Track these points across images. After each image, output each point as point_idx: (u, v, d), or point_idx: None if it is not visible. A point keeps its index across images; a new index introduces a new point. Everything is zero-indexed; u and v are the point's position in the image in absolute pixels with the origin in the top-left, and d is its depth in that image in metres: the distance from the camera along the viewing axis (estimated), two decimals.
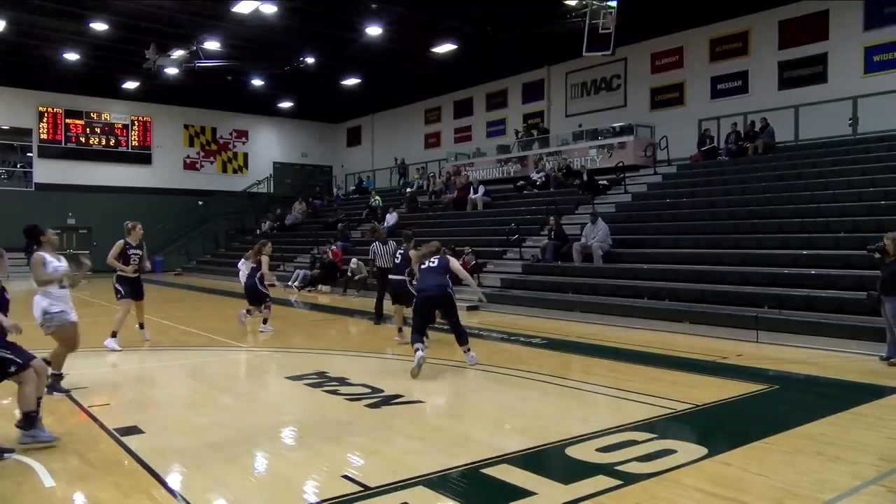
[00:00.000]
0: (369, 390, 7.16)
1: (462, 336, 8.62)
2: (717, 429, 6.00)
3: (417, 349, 7.96)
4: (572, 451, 5.11)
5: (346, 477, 4.61)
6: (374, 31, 21.20)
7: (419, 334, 8.31)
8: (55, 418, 6.36)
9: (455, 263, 9.04)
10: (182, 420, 6.26)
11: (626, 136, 20.75)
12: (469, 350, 8.59)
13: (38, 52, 24.30)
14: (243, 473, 4.82)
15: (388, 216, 23.09)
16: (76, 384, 7.37)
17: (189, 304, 17.69)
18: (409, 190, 27.19)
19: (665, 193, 17.73)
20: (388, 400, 6.81)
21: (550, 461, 5.03)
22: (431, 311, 8.90)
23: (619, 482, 4.42)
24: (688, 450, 5.11)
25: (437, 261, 8.83)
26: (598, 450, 5.10)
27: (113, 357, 9.37)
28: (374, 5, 19.49)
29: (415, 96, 30.64)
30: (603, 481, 4.44)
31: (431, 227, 20.98)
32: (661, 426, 5.85)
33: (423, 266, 8.91)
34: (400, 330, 10.44)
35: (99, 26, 21.53)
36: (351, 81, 27.75)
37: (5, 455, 5.03)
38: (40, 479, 4.60)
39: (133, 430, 5.71)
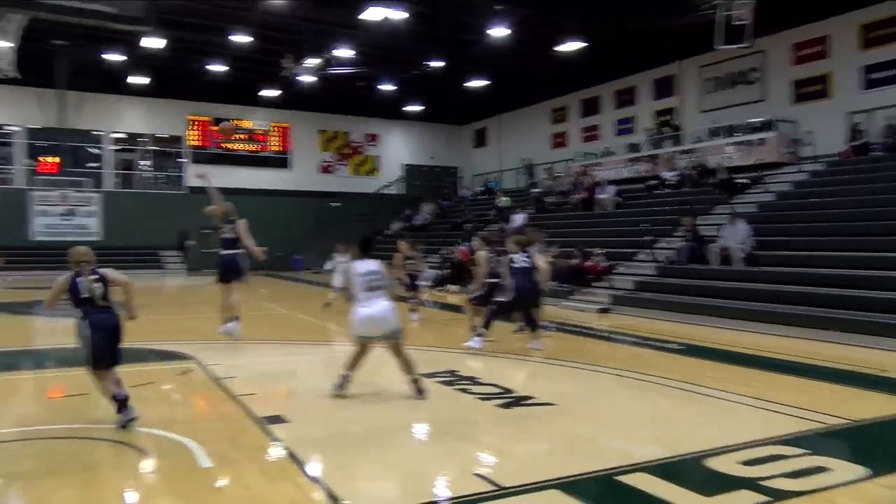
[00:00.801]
0: (500, 390, 7.18)
1: (536, 325, 9.68)
2: (878, 448, 5.53)
3: (483, 336, 9.36)
4: (712, 463, 4.88)
5: (478, 475, 4.64)
6: (499, 32, 21.24)
7: (490, 324, 9.52)
8: (209, 404, 6.85)
9: (540, 260, 9.78)
10: (322, 411, 6.53)
11: (766, 133, 19.60)
12: (537, 338, 9.51)
13: (187, 65, 26.21)
14: (380, 466, 4.97)
15: (516, 216, 23.08)
16: (226, 375, 7.88)
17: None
18: (535, 191, 27.05)
19: (812, 192, 16.60)
20: (519, 401, 6.80)
21: (689, 472, 4.82)
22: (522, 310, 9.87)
23: (766, 498, 4.17)
24: (844, 469, 4.74)
25: (528, 260, 9.51)
26: (740, 463, 4.84)
27: (258, 349, 9.98)
28: (498, 7, 19.54)
29: (540, 96, 30.41)
30: (747, 496, 4.21)
31: (559, 227, 20.74)
32: (811, 441, 5.46)
33: (514, 265, 9.43)
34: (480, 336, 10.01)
35: (241, 39, 22.91)
36: (476, 83, 27.95)
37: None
38: (196, 460, 4.95)
39: (278, 420, 6.01)
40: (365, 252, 6.97)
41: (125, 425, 5.66)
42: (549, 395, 6.93)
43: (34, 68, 20.45)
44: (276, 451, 5.26)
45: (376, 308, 6.68)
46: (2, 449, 5.40)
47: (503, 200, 26.64)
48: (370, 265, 6.86)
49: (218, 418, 6.32)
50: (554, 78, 26.66)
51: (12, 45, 14.12)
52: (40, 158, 30.08)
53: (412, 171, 36.67)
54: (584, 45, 21.86)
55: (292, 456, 5.06)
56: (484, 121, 35.45)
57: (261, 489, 4.42)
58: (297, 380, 8.42)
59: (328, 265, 15.08)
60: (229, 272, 10.13)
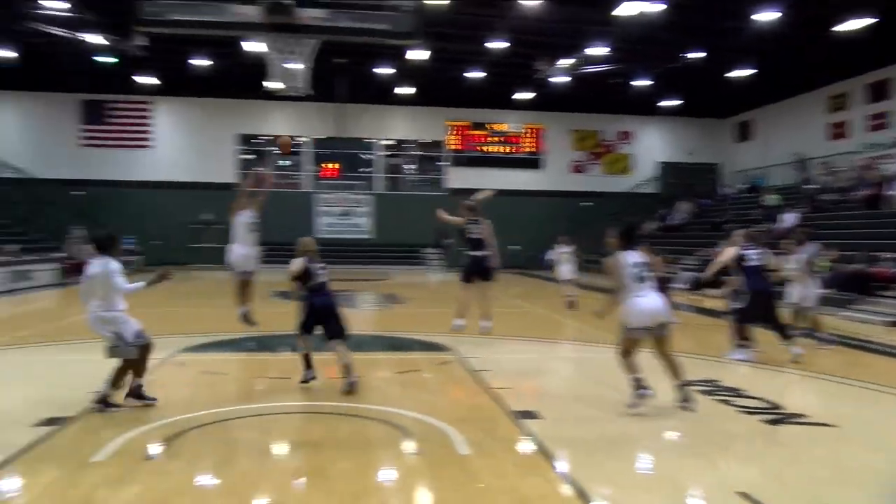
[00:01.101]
0: (767, 405, 6.60)
1: (788, 332, 8.86)
2: None
3: (747, 347, 8.74)
4: None
5: (741, 494, 4.33)
6: (767, 16, 19.53)
7: (747, 333, 8.78)
8: (467, 395, 7.21)
9: (773, 258, 9.21)
10: (575, 411, 6.54)
11: None
12: (794, 345, 8.74)
13: (447, 74, 27.80)
14: (633, 471, 4.86)
15: (785, 216, 21.13)
16: (482, 368, 8.22)
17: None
18: (808, 187, 24.50)
19: None
20: (790, 418, 6.19)
21: None
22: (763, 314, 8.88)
23: None
24: None
25: (760, 256, 8.84)
26: None
27: (512, 345, 10.28)
28: None
29: (814, 83, 27.35)
30: None
31: (838, 228, 18.58)
32: None
33: (746, 263, 8.76)
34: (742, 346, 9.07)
35: (496, 45, 23.70)
36: (740, 73, 25.96)
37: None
38: (455, 447, 5.23)
39: (530, 415, 6.13)
40: (629, 241, 6.52)
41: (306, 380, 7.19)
42: (826, 415, 6.22)
43: (319, 85, 23.09)
44: (528, 446, 5.38)
45: (650, 299, 6.32)
46: (294, 420, 6.20)
47: (771, 199, 24.51)
48: (636, 255, 6.47)
49: (474, 408, 6.62)
50: (831, 61, 23.87)
51: (306, 65, 16.04)
52: (323, 165, 33.92)
53: (667, 169, 35.20)
54: (873, 20, 19.31)
55: (544, 452, 5.14)
56: (748, 113, 32.88)
57: (514, 480, 4.55)
58: (549, 377, 8.54)
59: (549, 255, 15.15)
60: (473, 273, 10.28)
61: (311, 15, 15.80)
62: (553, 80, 26.00)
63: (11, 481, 4.48)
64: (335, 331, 7.21)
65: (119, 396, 6.25)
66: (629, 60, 24.94)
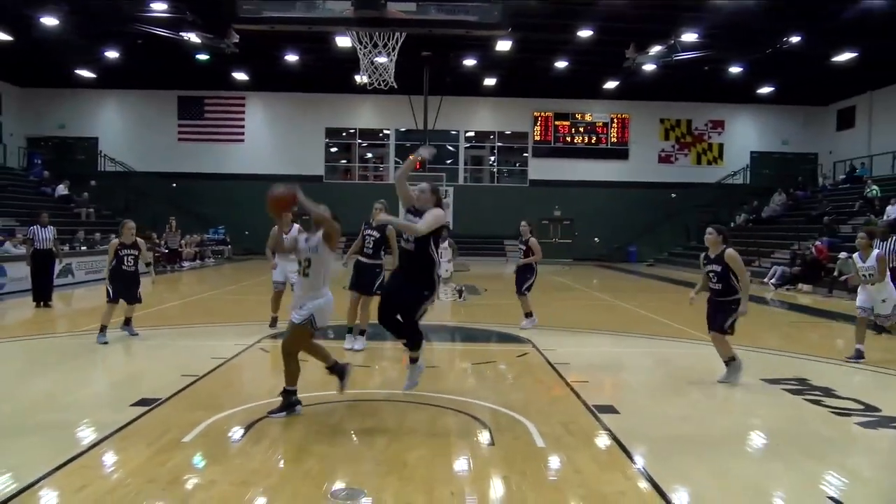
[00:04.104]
0: (862, 407, 6.26)
1: None
2: None
3: None
4: None
5: (833, 500, 4.12)
6: None
7: None
8: (544, 388, 7.15)
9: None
10: (653, 407, 6.41)
11: None
12: None
13: (532, 64, 27.51)
14: (713, 472, 4.70)
15: (888, 209, 19.93)
16: (560, 360, 8.15)
17: (661, 295, 18.01)
18: None
19: None
20: (889, 422, 5.86)
21: None
22: None
23: None
24: None
25: None
26: None
27: (591, 338, 10.14)
28: None
29: None
30: None
31: None
32: None
33: None
34: None
35: (585, 33, 23.27)
36: (843, 57, 24.57)
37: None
38: (533, 439, 5.21)
39: (609, 409, 6.05)
40: None
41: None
42: None
43: (404, 77, 23.30)
44: (606, 441, 5.30)
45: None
46: (372, 407, 6.30)
47: (872, 190, 23.14)
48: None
49: (552, 402, 6.56)
50: None
51: (391, 59, 16.26)
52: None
53: (760, 159, 33.86)
54: None
55: (623, 447, 5.05)
56: (850, 99, 31.15)
57: (591, 475, 4.49)
58: (628, 372, 8.38)
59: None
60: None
61: (399, 9, 15.97)
62: (642, 68, 25.36)
63: (107, 458, 4.75)
64: None
65: None
66: (723, 46, 24.01)
